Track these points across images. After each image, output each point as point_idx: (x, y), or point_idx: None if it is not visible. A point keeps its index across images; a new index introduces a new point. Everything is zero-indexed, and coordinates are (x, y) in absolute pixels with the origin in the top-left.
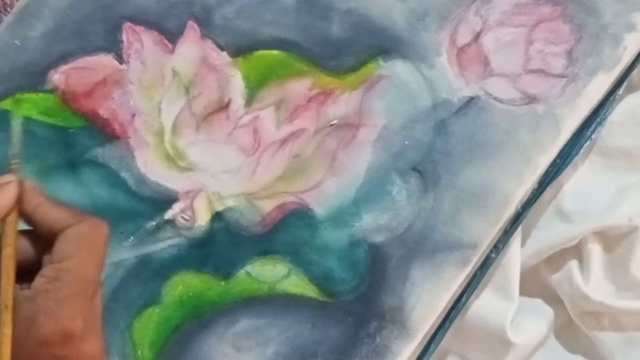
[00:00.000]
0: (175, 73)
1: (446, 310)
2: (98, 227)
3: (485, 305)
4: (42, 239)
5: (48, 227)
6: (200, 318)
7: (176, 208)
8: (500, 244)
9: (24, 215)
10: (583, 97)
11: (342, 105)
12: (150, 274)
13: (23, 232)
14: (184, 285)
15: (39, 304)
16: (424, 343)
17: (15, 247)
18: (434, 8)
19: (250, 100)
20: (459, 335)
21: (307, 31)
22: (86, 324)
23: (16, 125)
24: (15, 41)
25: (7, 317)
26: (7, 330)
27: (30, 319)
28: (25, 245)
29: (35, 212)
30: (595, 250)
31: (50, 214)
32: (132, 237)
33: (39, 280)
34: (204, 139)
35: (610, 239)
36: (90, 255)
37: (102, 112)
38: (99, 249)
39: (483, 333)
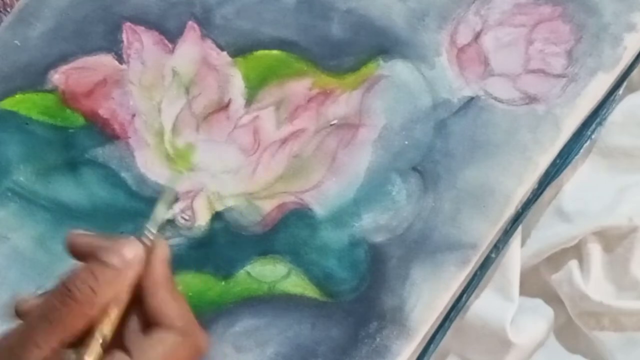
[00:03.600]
0: (175, 73)
1: (446, 310)
2: (195, 346)
3: (485, 305)
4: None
5: (155, 314)
6: (200, 318)
7: (176, 208)
8: (500, 244)
9: (143, 286)
10: (583, 97)
11: (342, 105)
12: None
13: None
14: (184, 285)
15: None
16: (424, 343)
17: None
18: (434, 8)
19: (250, 100)
20: (459, 335)
21: (307, 31)
22: None
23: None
24: (15, 41)
25: None
26: None
27: None
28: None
29: (153, 294)
30: (595, 250)
31: (164, 306)
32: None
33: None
34: (204, 139)
35: (610, 239)
36: None
37: (102, 112)
38: None
39: (483, 333)
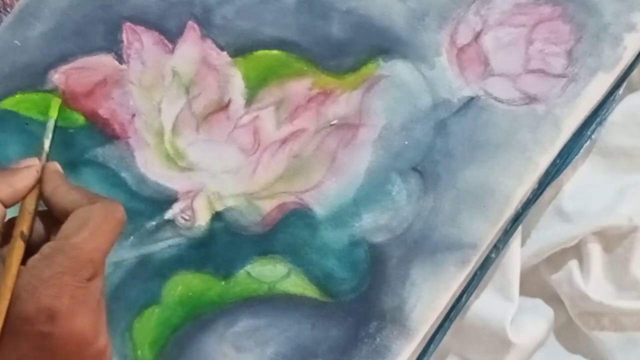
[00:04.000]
0: (175, 73)
1: (446, 310)
2: (110, 209)
3: (485, 305)
4: (58, 221)
5: (64, 208)
6: (200, 318)
7: (176, 208)
8: (500, 244)
9: (43, 197)
10: (583, 97)
11: (342, 105)
12: (150, 274)
13: (41, 214)
14: (184, 285)
15: (23, 281)
16: (424, 343)
17: (30, 227)
18: (434, 8)
19: (250, 100)
20: (459, 335)
21: (307, 31)
22: (74, 302)
23: (50, 123)
24: (15, 41)
25: (7, 294)
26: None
27: (15, 295)
28: (41, 226)
29: (52, 193)
30: (595, 250)
31: (66, 196)
32: (132, 237)
33: (32, 257)
34: (204, 139)
35: (610, 239)
36: (91, 237)
37: (102, 112)
38: (106, 231)
39: (483, 333)
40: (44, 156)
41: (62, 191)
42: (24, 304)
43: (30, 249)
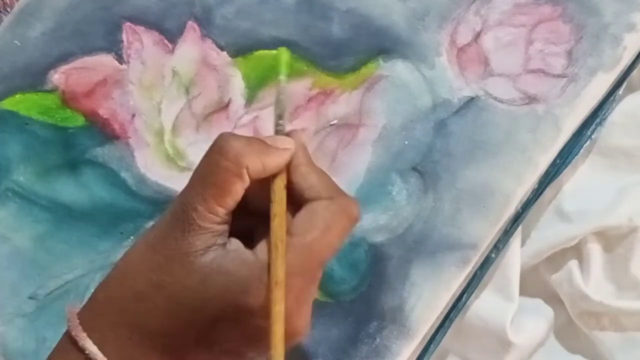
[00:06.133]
0: (175, 73)
1: (446, 310)
2: (347, 209)
3: (485, 305)
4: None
5: (300, 191)
6: None
7: None
8: (500, 244)
9: (288, 171)
10: (583, 97)
11: (342, 105)
12: None
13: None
14: None
15: (255, 275)
16: (424, 343)
17: (285, 217)
18: (434, 8)
19: (250, 100)
20: (459, 335)
21: (307, 31)
22: (297, 303)
23: (283, 83)
24: (15, 41)
25: (279, 294)
26: (280, 308)
27: (243, 287)
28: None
29: (293, 172)
30: (595, 250)
31: (306, 179)
32: (132, 237)
33: (263, 248)
34: (204, 139)
35: (610, 239)
36: (324, 238)
37: (102, 112)
38: (337, 234)
39: (483, 333)
40: (287, 126)
41: (302, 172)
42: (251, 298)
43: (253, 208)
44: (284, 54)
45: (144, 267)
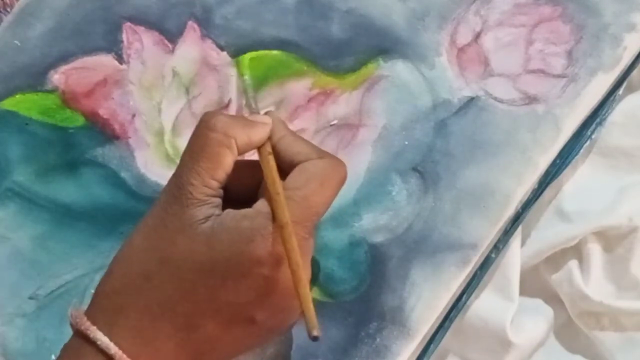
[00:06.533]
0: (175, 73)
1: (446, 310)
2: (336, 166)
3: (485, 305)
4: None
5: (289, 158)
6: None
7: None
8: (500, 244)
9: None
10: (583, 97)
11: (342, 105)
12: None
13: (245, 164)
14: None
15: (259, 224)
16: (424, 343)
17: (278, 178)
18: (434, 8)
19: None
20: (459, 335)
21: (307, 31)
22: (299, 252)
23: (246, 78)
24: (15, 41)
25: (288, 233)
26: (292, 245)
27: (248, 237)
28: (246, 175)
29: (279, 142)
30: (595, 250)
31: (293, 146)
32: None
33: (263, 202)
34: None
35: (610, 239)
36: (319, 191)
37: (102, 112)
38: (330, 188)
39: (483, 333)
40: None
41: (288, 141)
42: (257, 246)
43: (237, 198)
44: (244, 60)
45: (146, 248)
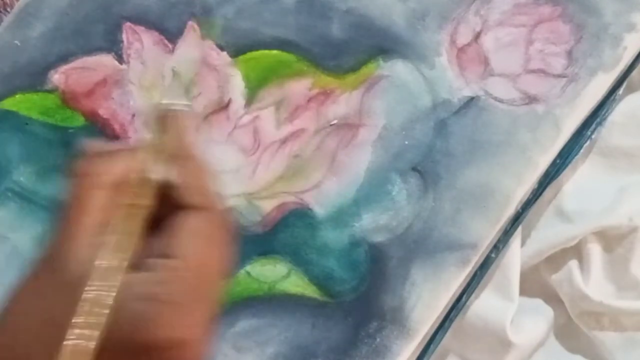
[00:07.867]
0: (175, 73)
1: (446, 310)
2: (220, 217)
3: (485, 305)
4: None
5: (176, 185)
6: None
7: None
8: (500, 244)
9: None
10: (583, 97)
11: (342, 105)
12: None
13: None
14: None
15: (153, 308)
16: (424, 343)
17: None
18: (434, 8)
19: (250, 100)
20: (459, 335)
21: (307, 31)
22: (204, 330)
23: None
24: (15, 41)
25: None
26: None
27: (141, 320)
28: None
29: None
30: (595, 250)
31: (183, 174)
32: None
33: (151, 277)
34: (204, 139)
35: (610, 239)
36: (214, 252)
37: (102, 112)
38: (225, 243)
39: (483, 333)
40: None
41: (179, 164)
42: (154, 333)
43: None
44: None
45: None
